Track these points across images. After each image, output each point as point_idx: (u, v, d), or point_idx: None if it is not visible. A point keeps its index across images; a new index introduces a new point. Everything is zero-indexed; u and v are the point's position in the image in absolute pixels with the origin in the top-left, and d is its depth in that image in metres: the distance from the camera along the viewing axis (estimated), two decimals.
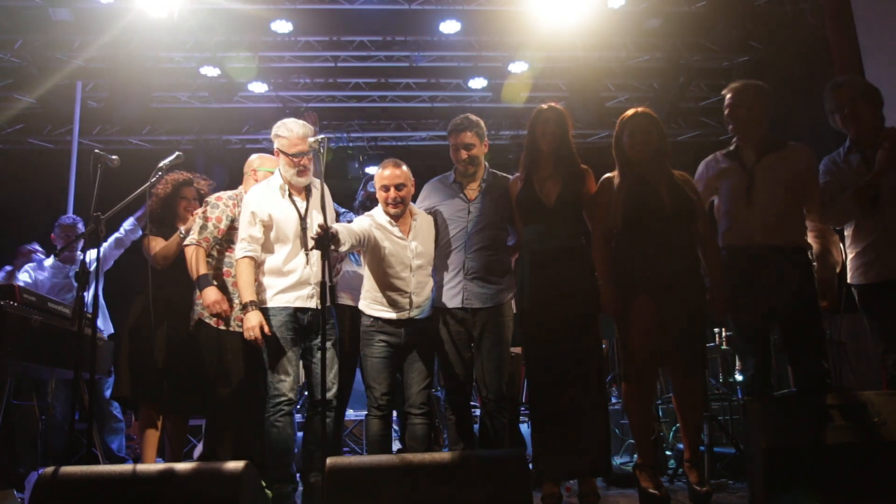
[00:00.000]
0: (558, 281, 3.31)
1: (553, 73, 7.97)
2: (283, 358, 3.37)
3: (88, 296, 3.62)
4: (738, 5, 7.21)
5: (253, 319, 3.32)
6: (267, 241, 3.51)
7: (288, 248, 3.48)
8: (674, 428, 4.76)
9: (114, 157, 3.49)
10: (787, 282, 3.23)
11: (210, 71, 7.36)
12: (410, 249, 3.60)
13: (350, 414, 6.11)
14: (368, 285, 3.64)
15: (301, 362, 3.53)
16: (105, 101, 7.49)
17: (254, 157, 4.06)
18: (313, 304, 3.46)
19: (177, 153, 3.62)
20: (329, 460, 2.52)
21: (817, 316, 3.28)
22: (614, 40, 7.44)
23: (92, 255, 3.22)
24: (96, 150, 3.49)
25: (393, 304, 3.56)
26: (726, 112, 3.49)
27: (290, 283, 3.46)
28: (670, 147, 3.40)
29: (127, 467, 2.47)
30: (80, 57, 7.20)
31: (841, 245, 3.40)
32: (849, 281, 3.34)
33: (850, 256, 3.36)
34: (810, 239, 3.43)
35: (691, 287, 3.22)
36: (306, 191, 3.63)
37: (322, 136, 3.31)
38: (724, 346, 5.23)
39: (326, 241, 3.08)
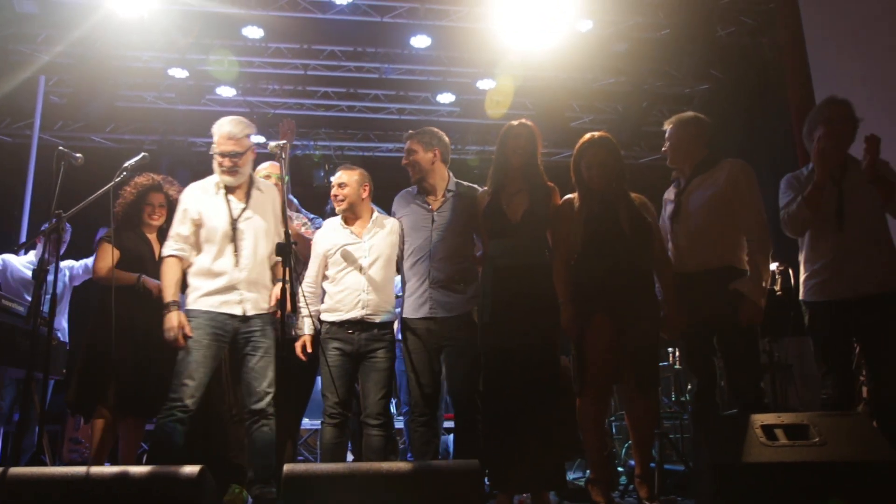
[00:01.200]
0: (520, 296, 3.37)
1: (520, 91, 8.10)
2: (192, 361, 3.25)
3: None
4: (701, 35, 7.41)
5: (172, 320, 3.25)
6: (197, 240, 3.44)
7: (215, 249, 3.40)
8: (626, 444, 4.86)
9: (78, 154, 3.45)
10: (718, 304, 3.28)
11: (178, 73, 7.32)
12: (363, 249, 3.64)
13: (306, 423, 6.07)
14: (328, 291, 3.68)
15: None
16: (69, 97, 7.38)
17: (264, 164, 4.04)
18: (240, 310, 3.37)
19: (143, 153, 3.59)
20: (286, 467, 2.53)
21: (751, 337, 3.33)
22: (581, 62, 7.60)
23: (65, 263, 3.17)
24: (60, 148, 3.44)
25: (344, 305, 3.58)
26: (664, 149, 3.63)
27: (216, 286, 3.36)
28: (628, 170, 3.50)
29: (80, 469, 2.44)
30: (45, 51, 7.08)
31: (774, 264, 3.45)
32: (801, 298, 3.38)
33: (805, 274, 3.37)
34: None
35: (646, 307, 3.31)
36: (247, 192, 3.55)
37: (283, 141, 3.34)
38: (676, 366, 5.37)
39: (288, 248, 3.08)
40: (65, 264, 4.98)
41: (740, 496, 2.71)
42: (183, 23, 6.76)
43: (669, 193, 3.64)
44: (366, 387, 3.56)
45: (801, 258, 3.41)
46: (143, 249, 3.90)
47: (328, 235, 3.74)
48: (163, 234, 3.78)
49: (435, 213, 3.71)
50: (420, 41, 7.22)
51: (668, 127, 3.63)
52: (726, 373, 3.38)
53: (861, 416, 2.94)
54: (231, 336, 3.38)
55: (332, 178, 3.77)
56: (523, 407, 3.30)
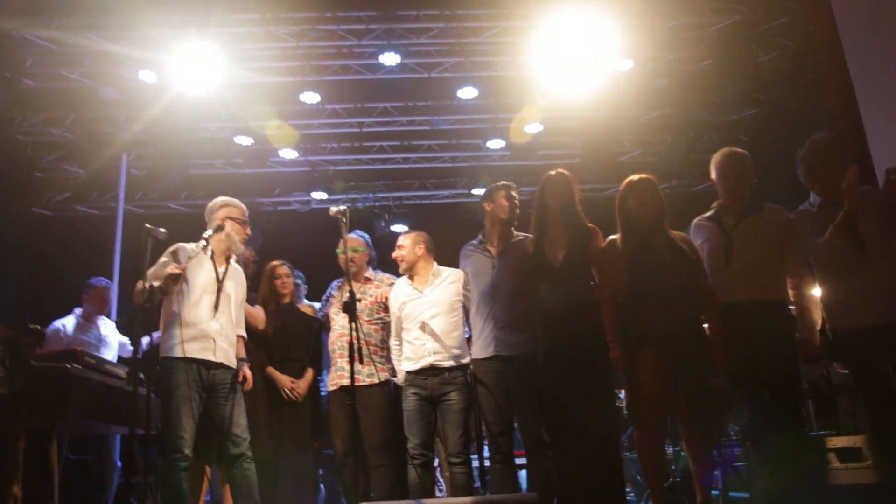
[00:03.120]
0: (569, 334, 3.57)
1: (569, 132, 8.35)
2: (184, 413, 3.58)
3: None
4: (742, 62, 7.54)
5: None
6: (181, 291, 3.76)
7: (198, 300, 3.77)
8: None
9: (162, 230, 3.86)
10: (769, 333, 3.41)
11: (243, 140, 7.86)
12: (425, 303, 3.94)
13: None
14: (404, 342, 4.03)
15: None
16: (147, 170, 8.00)
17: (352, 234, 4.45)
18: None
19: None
20: None
21: (796, 366, 3.47)
22: (625, 100, 7.78)
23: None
24: (147, 225, 3.85)
25: (416, 354, 3.90)
26: (715, 179, 3.75)
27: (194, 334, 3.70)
28: (670, 204, 3.67)
29: None
30: (125, 130, 7.73)
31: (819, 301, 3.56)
32: (829, 326, 3.47)
33: (830, 302, 3.47)
34: (792, 297, 3.58)
35: (693, 339, 3.44)
36: (227, 260, 3.99)
37: (343, 206, 3.70)
38: None
39: (353, 306, 3.43)
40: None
41: None
42: (245, 94, 7.30)
43: (711, 228, 3.71)
44: (445, 428, 3.83)
45: (823, 287, 3.51)
46: None
47: (397, 292, 4.11)
48: None
49: (496, 260, 3.98)
50: (467, 93, 7.57)
51: (715, 161, 3.76)
52: (772, 402, 3.47)
53: None
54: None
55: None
56: (584, 438, 3.46)
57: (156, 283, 3.63)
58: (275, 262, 4.66)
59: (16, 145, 7.92)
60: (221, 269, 3.91)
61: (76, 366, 3.56)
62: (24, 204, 8.32)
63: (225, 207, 4.02)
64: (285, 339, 4.49)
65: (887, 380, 3.19)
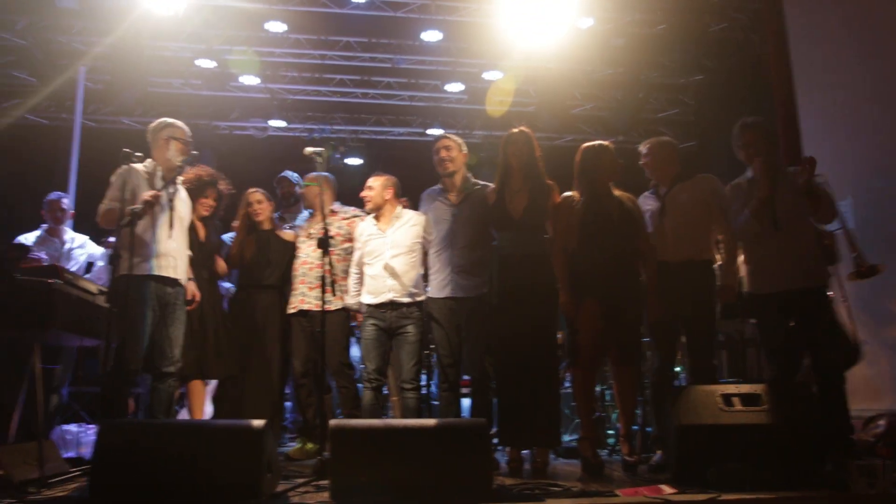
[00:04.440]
0: (522, 282, 3.94)
1: (525, 81, 8.60)
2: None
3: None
4: (694, 30, 7.92)
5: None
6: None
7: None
8: (615, 411, 5.45)
9: (138, 154, 4.03)
10: (693, 290, 3.91)
11: (206, 63, 7.81)
12: (386, 243, 4.27)
13: None
14: (365, 276, 4.34)
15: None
16: (105, 84, 7.87)
17: (311, 175, 4.72)
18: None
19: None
20: (332, 422, 3.12)
21: (712, 322, 4.01)
22: (582, 55, 8.06)
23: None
24: (125, 150, 3.98)
25: (375, 290, 4.24)
26: (642, 163, 4.23)
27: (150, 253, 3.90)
28: (621, 168, 4.04)
29: (173, 421, 3.04)
30: (82, 42, 7.58)
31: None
32: (746, 290, 4.01)
33: (748, 269, 4.00)
34: (720, 252, 4.09)
35: (631, 293, 3.88)
36: (173, 181, 4.11)
37: (320, 149, 3.93)
38: None
39: (326, 242, 3.72)
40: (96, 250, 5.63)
41: (701, 452, 3.29)
42: (211, 17, 7.26)
43: (649, 199, 4.18)
44: (400, 357, 4.19)
45: (743, 255, 4.02)
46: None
47: (363, 229, 4.42)
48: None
49: (455, 209, 4.28)
50: (431, 35, 7.72)
51: (645, 147, 4.26)
52: (690, 352, 4.01)
53: (801, 387, 3.56)
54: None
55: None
56: (526, 377, 3.87)
57: (136, 208, 3.82)
58: (250, 190, 4.85)
59: None
60: (171, 191, 4.06)
61: (58, 281, 3.73)
62: None
63: (168, 128, 4.14)
64: (262, 265, 4.72)
65: (785, 337, 3.74)
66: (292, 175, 5.51)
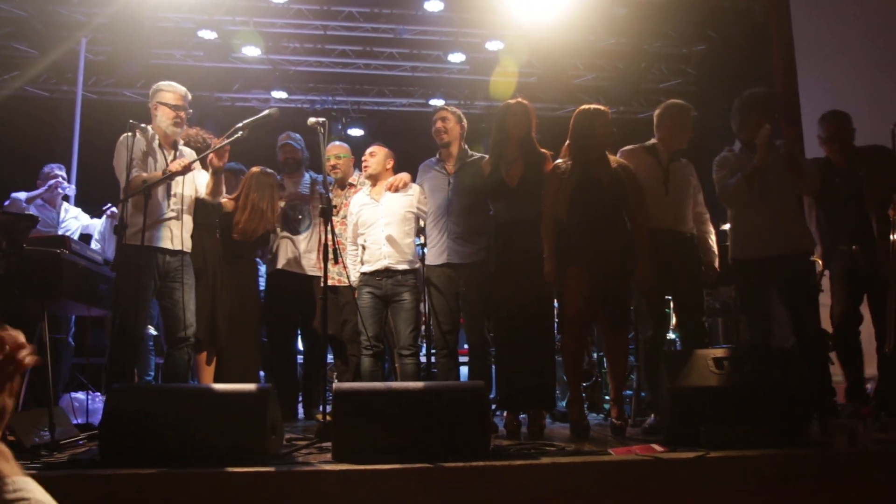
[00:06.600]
0: (520, 248, 3.99)
1: (528, 51, 8.57)
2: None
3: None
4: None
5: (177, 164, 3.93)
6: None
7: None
8: None
9: (144, 125, 4.09)
10: (685, 259, 4.02)
11: (207, 34, 7.81)
12: (380, 211, 4.35)
13: None
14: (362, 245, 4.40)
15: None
16: (107, 55, 7.89)
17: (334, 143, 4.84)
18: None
19: (267, 111, 3.88)
20: (335, 386, 3.22)
21: (700, 289, 4.13)
22: (584, 25, 8.04)
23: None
24: (131, 121, 4.04)
25: (371, 258, 4.32)
26: (656, 123, 4.21)
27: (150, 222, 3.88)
28: (616, 136, 4.07)
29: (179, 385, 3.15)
30: (83, 12, 7.58)
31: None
32: (731, 256, 4.13)
33: (734, 235, 4.13)
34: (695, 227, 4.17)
35: (620, 260, 3.91)
36: (173, 146, 4.16)
37: (322, 119, 3.95)
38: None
39: (329, 211, 3.79)
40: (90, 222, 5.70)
41: (693, 413, 3.38)
42: None
43: (649, 161, 4.12)
44: (397, 325, 4.29)
45: (730, 223, 4.15)
46: None
47: (355, 200, 4.51)
48: None
49: (451, 177, 4.34)
50: (433, 5, 7.70)
51: (659, 110, 4.23)
52: (680, 318, 4.11)
53: (786, 351, 3.66)
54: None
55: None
56: (524, 342, 3.95)
57: (154, 178, 3.90)
58: (253, 169, 4.81)
59: None
60: (170, 157, 4.10)
61: (65, 251, 3.82)
62: None
63: (156, 94, 4.16)
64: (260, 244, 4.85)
65: (766, 302, 3.85)
66: (295, 137, 5.20)
